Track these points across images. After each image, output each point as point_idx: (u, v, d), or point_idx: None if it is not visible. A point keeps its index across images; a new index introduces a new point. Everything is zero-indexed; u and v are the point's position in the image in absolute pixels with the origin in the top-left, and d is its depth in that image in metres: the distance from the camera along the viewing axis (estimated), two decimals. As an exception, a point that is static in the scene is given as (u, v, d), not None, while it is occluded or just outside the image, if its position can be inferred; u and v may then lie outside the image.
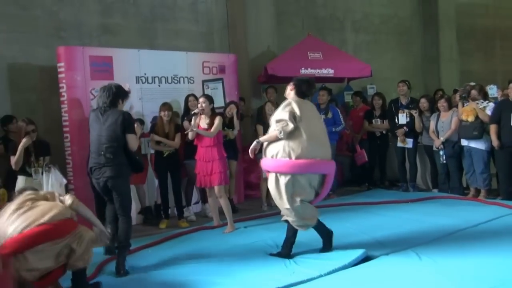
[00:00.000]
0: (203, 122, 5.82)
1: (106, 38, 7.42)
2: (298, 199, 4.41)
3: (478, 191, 6.94)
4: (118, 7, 7.66)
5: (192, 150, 6.23)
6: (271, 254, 4.64)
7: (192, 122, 5.77)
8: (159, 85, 6.80)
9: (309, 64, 8.15)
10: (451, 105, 7.26)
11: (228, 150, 6.22)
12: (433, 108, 7.51)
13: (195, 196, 6.95)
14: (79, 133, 5.97)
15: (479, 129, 6.69)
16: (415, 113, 7.40)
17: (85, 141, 5.41)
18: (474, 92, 6.94)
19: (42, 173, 5.29)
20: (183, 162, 6.50)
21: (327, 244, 4.66)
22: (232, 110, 6.75)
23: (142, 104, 6.62)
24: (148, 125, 6.62)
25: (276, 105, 7.80)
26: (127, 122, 4.46)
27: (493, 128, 6.59)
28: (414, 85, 8.37)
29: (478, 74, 11.30)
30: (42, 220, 3.41)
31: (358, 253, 4.44)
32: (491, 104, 6.75)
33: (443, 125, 7.13)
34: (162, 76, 6.82)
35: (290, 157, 4.36)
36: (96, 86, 5.90)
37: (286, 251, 4.58)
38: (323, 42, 9.06)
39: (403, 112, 7.55)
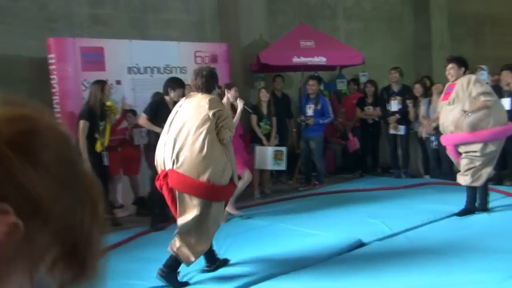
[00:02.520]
0: None
1: (97, 29, 7.38)
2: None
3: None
4: (109, -3, 7.62)
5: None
6: None
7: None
8: (151, 76, 6.79)
9: (301, 53, 8.15)
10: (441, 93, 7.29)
11: None
12: (427, 93, 7.54)
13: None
14: (71, 125, 5.95)
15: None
16: (409, 102, 7.45)
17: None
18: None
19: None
20: None
21: None
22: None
23: (135, 95, 6.61)
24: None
25: (281, 94, 7.92)
26: None
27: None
28: (405, 72, 8.40)
29: (469, 61, 11.24)
30: None
31: (352, 240, 4.50)
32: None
33: (434, 110, 7.18)
34: (154, 67, 6.81)
35: (500, 124, 5.07)
36: (87, 77, 5.89)
37: None
38: (315, 30, 9.06)
39: (395, 99, 7.59)
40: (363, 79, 9.68)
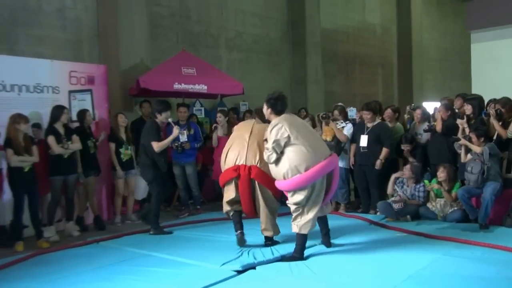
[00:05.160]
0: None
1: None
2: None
3: (339, 205, 7.45)
4: (-28, 6, 6.98)
5: (57, 166, 6.03)
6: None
7: None
8: (19, 94, 6.29)
9: (182, 79, 8.14)
10: (314, 124, 7.72)
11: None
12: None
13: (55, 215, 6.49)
14: None
15: (335, 148, 7.15)
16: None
17: None
18: (336, 113, 7.48)
19: None
20: (49, 178, 6.12)
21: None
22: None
23: (-2, 114, 6.07)
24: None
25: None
26: None
27: (352, 147, 7.18)
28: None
29: (340, 95, 12.25)
30: None
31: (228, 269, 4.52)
32: (349, 125, 7.30)
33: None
34: (23, 85, 6.32)
35: (300, 172, 4.56)
36: None
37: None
38: (197, 58, 9.14)
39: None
40: (243, 108, 9.93)
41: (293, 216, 4.78)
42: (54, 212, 6.30)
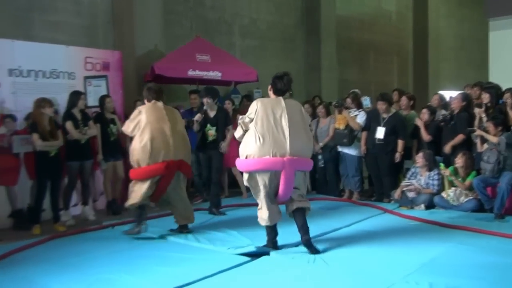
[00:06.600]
0: None
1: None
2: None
3: (352, 193, 7.44)
4: (-11, -8, 7.03)
5: (74, 151, 6.09)
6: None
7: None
8: (35, 79, 6.35)
9: (197, 66, 8.14)
10: (329, 112, 7.69)
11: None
12: (315, 114, 7.88)
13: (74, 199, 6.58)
14: None
15: (348, 137, 7.15)
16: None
17: None
18: (348, 100, 7.44)
19: None
20: (66, 163, 6.18)
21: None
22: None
23: (16, 99, 6.13)
24: (21, 122, 6.16)
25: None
26: None
27: (363, 135, 7.14)
28: (297, 91, 8.74)
29: (354, 83, 12.13)
30: None
31: (248, 249, 4.61)
32: (362, 113, 7.27)
33: (322, 131, 7.54)
34: (39, 70, 6.39)
35: (243, 156, 4.55)
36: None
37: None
38: (211, 45, 9.11)
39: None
40: (256, 96, 9.90)
41: None
42: (70, 197, 6.38)
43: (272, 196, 4.61)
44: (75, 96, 6.25)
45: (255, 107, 4.61)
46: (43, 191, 5.87)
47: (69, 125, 6.10)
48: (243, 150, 4.58)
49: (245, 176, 4.67)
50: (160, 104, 5.30)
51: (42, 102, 5.80)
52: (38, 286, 3.90)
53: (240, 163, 4.64)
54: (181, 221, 5.41)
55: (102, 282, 3.94)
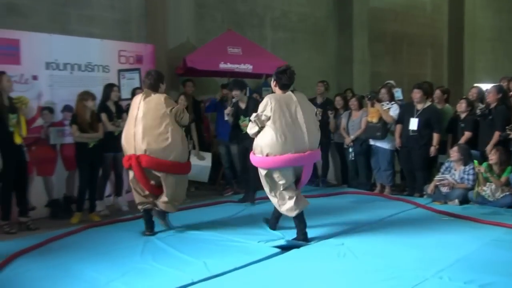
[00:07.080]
0: None
1: (12, 20, 6.93)
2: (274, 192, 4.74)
3: (384, 187, 7.36)
4: (27, -13, 7.20)
5: (108, 143, 6.15)
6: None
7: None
8: (71, 72, 6.49)
9: (228, 59, 8.16)
10: (361, 105, 7.61)
11: None
12: (347, 106, 7.80)
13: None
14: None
15: (381, 130, 7.05)
16: (330, 114, 7.68)
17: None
18: (382, 91, 7.33)
19: None
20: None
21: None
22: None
23: (52, 92, 6.29)
24: (58, 114, 6.32)
25: (193, 99, 7.84)
26: None
27: (397, 128, 7.03)
28: (329, 84, 8.65)
29: (387, 76, 11.94)
30: None
31: (279, 242, 4.64)
32: (395, 106, 7.16)
33: (353, 124, 7.46)
34: (75, 63, 6.52)
35: (262, 154, 4.60)
36: (-1, 70, 5.50)
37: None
38: (242, 37, 9.12)
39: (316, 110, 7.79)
40: (287, 89, 9.87)
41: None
42: (105, 187, 6.53)
43: (293, 186, 4.76)
44: (108, 89, 6.38)
45: (270, 104, 4.63)
46: (84, 180, 6.03)
47: (103, 117, 6.23)
48: (262, 148, 4.61)
49: (263, 172, 4.71)
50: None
51: (85, 95, 5.97)
52: (74, 274, 4.00)
53: (261, 161, 4.67)
54: (166, 208, 5.19)
55: (136, 271, 4.03)
